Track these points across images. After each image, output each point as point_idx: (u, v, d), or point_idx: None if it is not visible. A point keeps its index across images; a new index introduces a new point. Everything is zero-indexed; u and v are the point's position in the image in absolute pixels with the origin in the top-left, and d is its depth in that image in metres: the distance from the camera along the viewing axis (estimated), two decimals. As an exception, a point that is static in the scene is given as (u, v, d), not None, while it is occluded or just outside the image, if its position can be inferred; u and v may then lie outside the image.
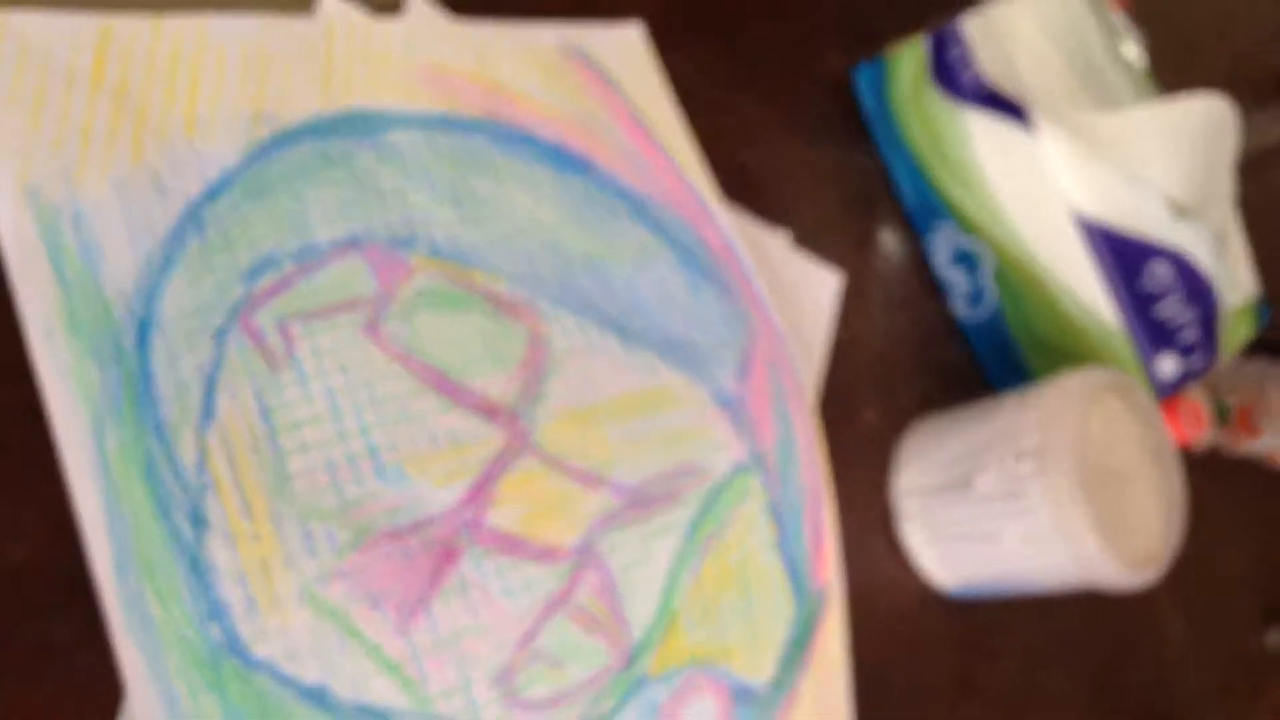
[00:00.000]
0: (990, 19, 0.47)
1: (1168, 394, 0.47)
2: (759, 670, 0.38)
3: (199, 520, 0.29)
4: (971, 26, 0.46)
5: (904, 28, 0.55)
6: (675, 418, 0.37)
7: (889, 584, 0.46)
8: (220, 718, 0.28)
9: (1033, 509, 0.41)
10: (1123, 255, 0.47)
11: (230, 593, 0.29)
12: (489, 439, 0.34)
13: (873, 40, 0.54)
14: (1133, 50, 0.50)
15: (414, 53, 0.37)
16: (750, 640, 0.38)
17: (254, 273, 0.32)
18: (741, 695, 0.37)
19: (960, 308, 0.52)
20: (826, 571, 0.40)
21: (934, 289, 0.52)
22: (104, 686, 0.28)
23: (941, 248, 0.51)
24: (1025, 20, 0.47)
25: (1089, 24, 0.49)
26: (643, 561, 0.35)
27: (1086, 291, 0.47)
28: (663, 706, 0.35)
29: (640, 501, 0.36)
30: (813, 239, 0.48)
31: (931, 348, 0.51)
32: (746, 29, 0.50)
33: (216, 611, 0.29)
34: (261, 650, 0.29)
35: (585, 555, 0.34)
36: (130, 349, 0.30)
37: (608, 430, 0.36)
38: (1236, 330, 0.50)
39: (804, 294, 0.46)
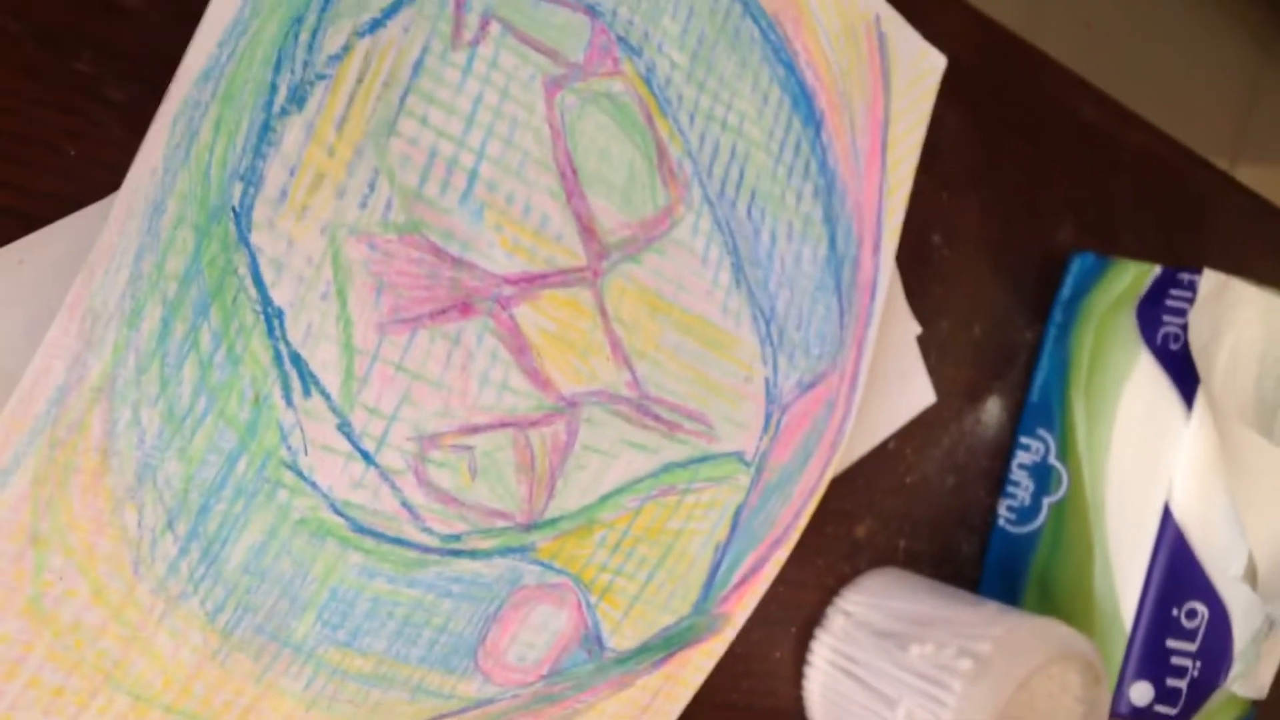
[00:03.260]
0: (1229, 290, 0.45)
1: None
2: (619, 634, 0.36)
3: (298, 98, 0.28)
4: (1208, 283, 0.45)
5: (1146, 250, 0.54)
6: (723, 371, 0.36)
7: (763, 671, 0.44)
8: (186, 259, 0.27)
9: (941, 705, 0.39)
10: (1179, 573, 0.44)
11: (274, 174, 0.28)
12: (569, 251, 0.33)
13: (1113, 244, 0.53)
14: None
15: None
16: (631, 603, 0.36)
17: (499, -42, 0.31)
18: (589, 638, 0.35)
19: (1004, 513, 0.50)
20: (736, 610, 0.38)
21: (994, 481, 0.50)
22: (117, 160, 0.27)
23: (1029, 451, 0.49)
24: (1255, 315, 0.45)
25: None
26: (605, 455, 0.34)
27: (1123, 577, 0.45)
28: (522, 587, 0.33)
29: (643, 409, 0.34)
30: (932, 357, 0.47)
31: (951, 524, 0.49)
32: (1017, 152, 0.49)
33: (251, 177, 0.28)
34: (257, 238, 0.28)
35: (567, 410, 0.33)
36: (357, -72, 0.29)
37: (664, 332, 0.35)
38: (1216, 714, 0.47)
39: (895, 386, 0.44)
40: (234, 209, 0.28)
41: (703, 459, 0.36)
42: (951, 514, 0.49)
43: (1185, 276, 0.46)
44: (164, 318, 0.27)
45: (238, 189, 0.28)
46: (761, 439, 0.37)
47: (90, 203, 0.27)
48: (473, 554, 0.32)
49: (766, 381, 0.37)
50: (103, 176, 0.27)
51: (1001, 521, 0.50)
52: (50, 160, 0.27)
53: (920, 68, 0.42)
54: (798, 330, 0.38)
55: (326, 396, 0.29)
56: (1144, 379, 0.46)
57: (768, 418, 0.37)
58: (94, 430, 0.27)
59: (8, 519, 0.26)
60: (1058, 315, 0.50)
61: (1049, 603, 0.47)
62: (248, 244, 0.28)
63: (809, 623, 0.44)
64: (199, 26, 0.27)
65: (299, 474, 0.29)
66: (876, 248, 0.40)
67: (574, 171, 0.33)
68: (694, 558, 0.36)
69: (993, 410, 0.49)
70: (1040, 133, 0.50)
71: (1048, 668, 0.40)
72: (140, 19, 0.28)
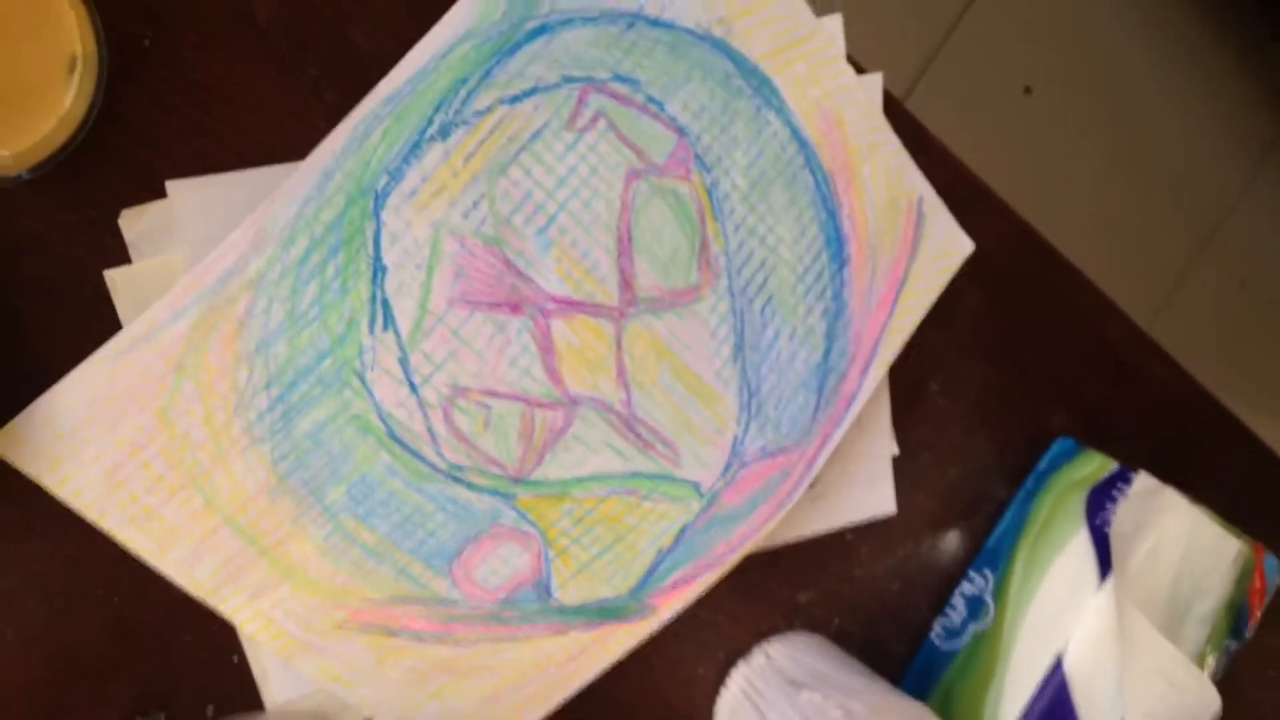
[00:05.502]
0: (1161, 495, 0.49)
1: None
2: (565, 590, 0.43)
3: (444, 132, 0.38)
4: (1141, 484, 0.50)
5: (1133, 447, 0.58)
6: (702, 418, 0.43)
7: (686, 679, 0.50)
8: (335, 214, 0.37)
9: (808, 741, 0.45)
10: (1055, 717, 0.49)
11: (411, 177, 0.38)
12: (607, 293, 0.41)
13: (1101, 437, 0.57)
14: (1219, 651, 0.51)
15: (833, 89, 0.45)
16: (580, 569, 0.43)
17: (621, 78, 0.41)
18: (540, 584, 0.43)
19: (937, 629, 0.55)
20: (663, 606, 0.45)
21: (938, 599, 0.55)
22: (315, 138, 0.37)
23: (972, 584, 0.54)
24: (1182, 524, 0.49)
25: (1218, 579, 0.51)
26: (588, 447, 0.42)
27: (1008, 706, 0.50)
28: (500, 524, 0.41)
29: (628, 424, 0.42)
30: (907, 481, 0.52)
31: (886, 622, 0.54)
32: (1030, 344, 0.55)
33: (395, 175, 0.37)
34: (386, 215, 0.37)
35: (569, 404, 0.41)
36: (522, 31, 0.39)
37: (662, 374, 0.42)
38: None
39: (862, 489, 0.51)
40: (377, 192, 0.37)
41: (665, 477, 0.43)
42: (890, 614, 0.54)
43: (1131, 474, 0.50)
44: (308, 248, 0.37)
45: (384, 180, 0.37)
46: (718, 480, 0.44)
47: (289, 160, 0.38)
48: (469, 485, 0.40)
49: (735, 438, 0.44)
50: (302, 146, 0.37)
51: (933, 635, 0.55)
52: (273, 126, 0.37)
53: (947, 247, 0.49)
54: (775, 409, 0.45)
55: (398, 335, 0.38)
56: (1076, 551, 0.51)
57: (728, 465, 0.44)
58: (239, 307, 0.36)
59: (167, 347, 0.36)
60: (1030, 482, 0.55)
61: (946, 708, 0.52)
62: (378, 217, 0.37)
63: (735, 653, 0.50)
64: (395, 67, 0.37)
65: (363, 382, 0.38)
66: (865, 371, 0.47)
67: (629, 239, 0.41)
68: (639, 552, 0.44)
69: (951, 542, 0.55)
70: (1059, 335, 0.56)
71: (904, 743, 0.45)
72: (361, 51, 0.38)
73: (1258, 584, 0.53)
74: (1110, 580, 0.49)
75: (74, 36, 0.30)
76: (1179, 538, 0.50)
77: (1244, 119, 1.51)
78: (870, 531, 0.53)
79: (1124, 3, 1.38)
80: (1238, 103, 1.50)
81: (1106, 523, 0.50)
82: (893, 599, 0.54)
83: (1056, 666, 0.49)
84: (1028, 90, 1.27)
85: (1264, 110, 1.51)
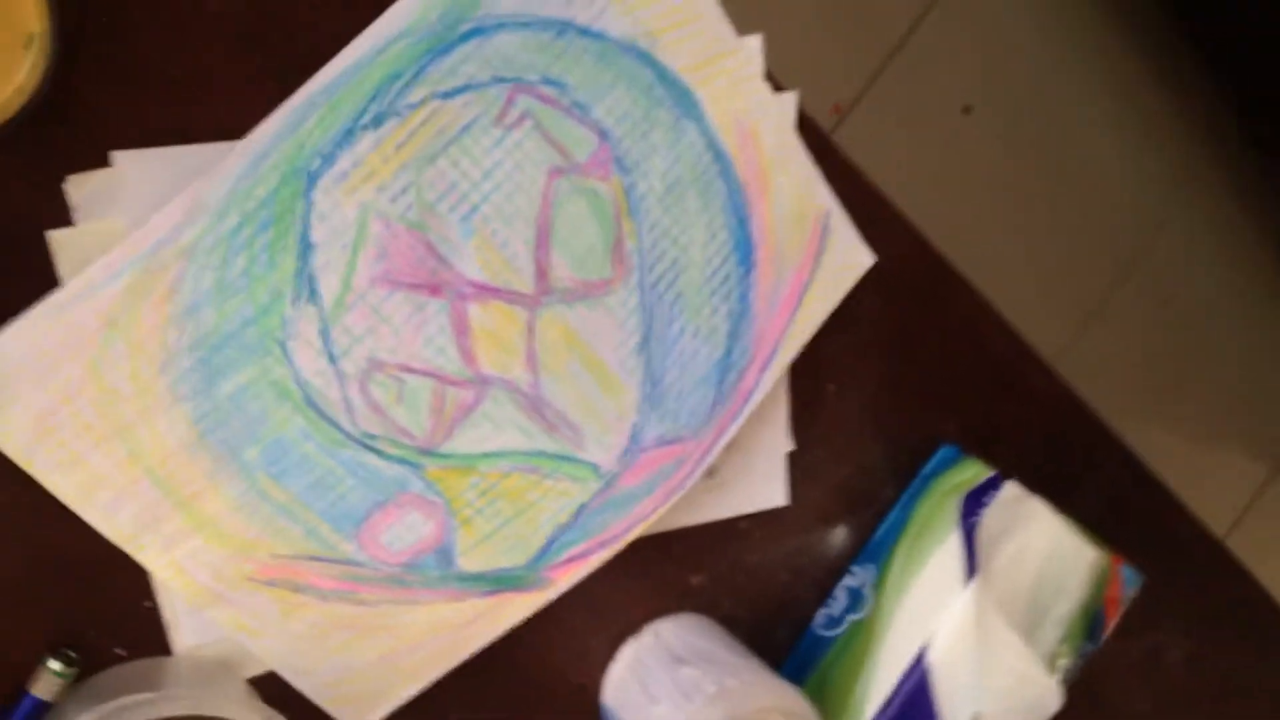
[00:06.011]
0: (1025, 503, 0.54)
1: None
2: (466, 558, 0.46)
3: (377, 121, 0.41)
4: (1008, 491, 0.54)
5: (1018, 458, 0.62)
6: (605, 405, 0.47)
7: (580, 650, 0.53)
8: (268, 191, 0.39)
9: (681, 710, 0.48)
10: (915, 703, 0.53)
11: (343, 161, 0.40)
12: (523, 282, 0.44)
13: (987, 448, 0.61)
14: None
15: (751, 105, 0.48)
16: (482, 539, 0.46)
17: (550, 81, 0.44)
18: (443, 552, 0.46)
19: (820, 616, 0.59)
20: (559, 579, 0.48)
21: (822, 591, 0.59)
22: (255, 120, 0.40)
23: (854, 577, 0.58)
24: (1045, 532, 0.54)
25: (1075, 584, 0.55)
26: (495, 425, 0.45)
27: (875, 692, 0.54)
28: (407, 492, 0.44)
29: (535, 405, 0.45)
30: (800, 474, 0.56)
31: (773, 609, 0.58)
32: (925, 353, 0.59)
33: (328, 158, 0.40)
34: (316, 196, 0.40)
35: (479, 383, 0.44)
36: (456, 32, 0.42)
37: (571, 361, 0.46)
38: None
39: (757, 480, 0.54)
40: (309, 173, 0.40)
41: (567, 458, 0.46)
42: (777, 602, 0.58)
43: (1001, 482, 0.55)
44: (240, 221, 0.39)
45: (316, 162, 0.40)
46: (617, 463, 0.47)
47: (232, 139, 0.40)
48: (379, 453, 0.43)
49: (634, 425, 0.48)
50: (243, 128, 0.40)
51: (815, 624, 0.59)
52: (217, 109, 0.40)
53: (850, 259, 0.53)
54: (675, 401, 0.48)
55: (320, 309, 0.41)
56: (949, 551, 0.55)
57: (626, 450, 0.48)
58: (171, 273, 0.39)
59: (101, 305, 0.39)
60: (915, 484, 0.59)
61: (820, 692, 0.56)
62: (309, 197, 0.40)
63: (627, 629, 0.54)
64: (334, 59, 0.40)
65: (284, 350, 0.41)
66: (763, 370, 0.51)
67: (548, 232, 0.44)
68: (538, 526, 0.47)
69: (839, 536, 0.59)
70: (952, 348, 0.60)
71: (773, 713, 0.49)
72: (304, 44, 0.41)
73: (1114, 592, 0.58)
74: (974, 582, 0.53)
75: (30, 15, 0.33)
76: (1041, 544, 0.55)
77: (1169, 146, 1.58)
78: (763, 521, 0.56)
79: (1061, 34, 1.44)
80: (1163, 130, 1.57)
81: (977, 526, 0.54)
82: (781, 587, 0.58)
83: (921, 657, 0.53)
84: (967, 110, 1.32)
85: (1185, 140, 1.58)
